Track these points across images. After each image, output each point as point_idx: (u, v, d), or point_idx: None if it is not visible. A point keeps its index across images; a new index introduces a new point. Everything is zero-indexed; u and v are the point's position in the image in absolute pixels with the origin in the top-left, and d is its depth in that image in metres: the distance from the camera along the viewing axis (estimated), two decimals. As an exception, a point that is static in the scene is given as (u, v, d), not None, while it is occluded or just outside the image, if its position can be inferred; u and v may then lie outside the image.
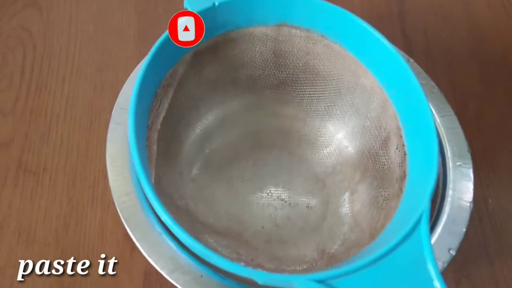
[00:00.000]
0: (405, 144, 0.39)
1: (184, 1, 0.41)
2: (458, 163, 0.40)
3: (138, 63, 0.43)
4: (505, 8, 0.61)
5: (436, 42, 0.57)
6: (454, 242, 0.36)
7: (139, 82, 0.36)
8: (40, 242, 0.43)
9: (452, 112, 0.42)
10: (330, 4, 0.41)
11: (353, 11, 0.57)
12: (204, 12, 0.40)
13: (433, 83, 0.43)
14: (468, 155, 0.40)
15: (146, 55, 0.43)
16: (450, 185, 0.38)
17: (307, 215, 0.43)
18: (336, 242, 0.41)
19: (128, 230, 0.35)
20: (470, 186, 0.39)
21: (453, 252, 0.36)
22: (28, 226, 0.44)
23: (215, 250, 0.35)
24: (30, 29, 0.55)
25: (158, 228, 0.35)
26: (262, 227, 0.42)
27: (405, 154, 0.38)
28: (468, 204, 0.38)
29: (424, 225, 0.32)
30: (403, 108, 0.39)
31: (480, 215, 0.48)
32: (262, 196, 0.44)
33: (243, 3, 0.41)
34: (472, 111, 0.53)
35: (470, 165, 0.40)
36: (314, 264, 0.39)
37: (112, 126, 0.39)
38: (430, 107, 0.36)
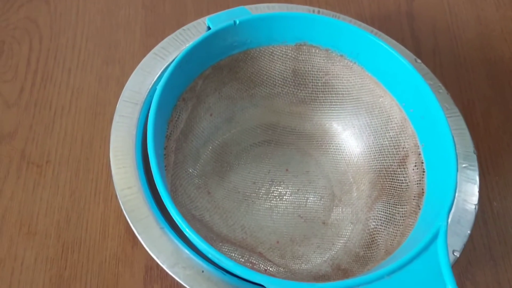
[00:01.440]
0: (424, 161, 0.39)
1: (206, 19, 0.41)
2: (464, 165, 0.39)
3: (143, 57, 0.43)
4: (515, 10, 0.61)
5: (445, 42, 0.57)
6: (459, 244, 0.36)
7: (159, 94, 0.37)
8: (41, 234, 0.43)
9: (458, 113, 0.42)
10: (349, 25, 0.42)
11: (361, 11, 0.58)
12: (225, 29, 0.41)
13: (440, 84, 0.43)
14: (474, 157, 0.40)
15: (152, 49, 0.43)
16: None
17: (323, 232, 0.43)
18: (351, 257, 0.40)
19: (130, 223, 0.35)
20: (475, 188, 0.38)
21: (457, 254, 0.35)
22: (30, 218, 0.44)
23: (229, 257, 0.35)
24: (36, 20, 0.55)
25: (160, 222, 0.35)
26: (277, 242, 0.42)
27: (423, 172, 0.39)
28: (473, 207, 0.38)
29: (442, 240, 0.33)
30: (421, 126, 0.40)
31: (485, 218, 0.47)
32: (278, 212, 0.43)
33: (263, 22, 0.43)
34: (479, 112, 0.53)
35: (476, 168, 0.39)
36: (328, 278, 0.38)
37: (116, 118, 0.39)
38: (448, 125, 0.37)
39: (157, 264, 0.41)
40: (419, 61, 0.44)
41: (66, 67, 0.52)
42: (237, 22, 0.42)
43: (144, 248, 0.40)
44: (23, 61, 0.52)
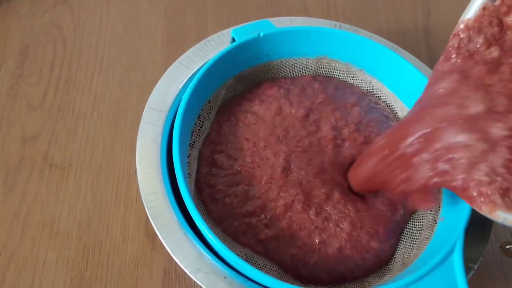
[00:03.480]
0: None
1: (231, 31, 0.43)
2: (480, 180, 0.40)
3: (165, 65, 0.45)
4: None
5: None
6: (474, 257, 0.37)
7: (185, 104, 0.39)
8: (63, 235, 0.44)
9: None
10: (370, 40, 0.44)
11: (379, 25, 0.59)
12: (249, 42, 0.43)
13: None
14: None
15: (173, 57, 0.45)
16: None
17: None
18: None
19: (155, 228, 0.35)
20: (492, 203, 0.39)
21: (472, 267, 0.36)
22: (52, 220, 0.45)
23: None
24: (61, 26, 0.57)
25: (184, 228, 0.36)
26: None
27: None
28: (489, 221, 0.38)
29: (458, 254, 0.34)
30: None
31: (497, 232, 0.48)
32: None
33: (286, 36, 0.44)
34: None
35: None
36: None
37: (142, 125, 0.40)
38: None
39: (176, 268, 0.43)
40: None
41: (89, 72, 0.53)
42: (261, 35, 0.43)
43: (163, 252, 0.41)
44: (47, 66, 0.54)
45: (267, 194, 0.39)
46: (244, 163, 0.40)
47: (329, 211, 0.38)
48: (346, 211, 0.38)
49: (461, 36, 0.33)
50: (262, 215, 0.38)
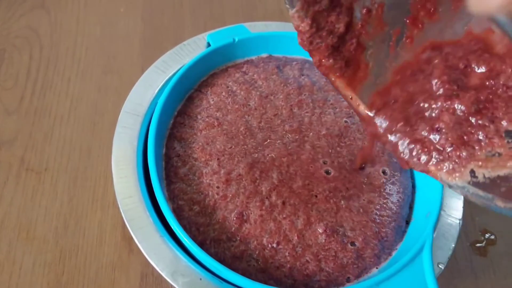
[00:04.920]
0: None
1: (206, 35, 0.44)
2: (449, 181, 0.41)
3: (142, 68, 0.45)
4: None
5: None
6: (443, 256, 0.38)
7: (160, 108, 0.40)
8: (39, 239, 0.44)
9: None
10: None
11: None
12: (225, 46, 0.44)
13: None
14: (459, 174, 0.42)
15: (150, 60, 0.45)
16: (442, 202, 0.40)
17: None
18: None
19: (131, 231, 0.36)
20: (460, 204, 0.40)
21: (442, 266, 0.37)
22: (28, 224, 0.45)
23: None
24: (37, 30, 0.57)
25: (160, 231, 0.36)
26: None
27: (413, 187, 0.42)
28: (458, 222, 0.40)
29: (427, 253, 0.35)
30: None
31: (467, 232, 0.49)
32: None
33: (261, 41, 0.46)
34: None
35: (461, 184, 0.41)
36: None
37: (118, 129, 0.40)
38: None
39: (153, 271, 0.43)
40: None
41: (65, 76, 0.53)
42: (236, 40, 0.44)
43: (140, 255, 0.41)
44: (24, 70, 0.53)
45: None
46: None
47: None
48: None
49: None
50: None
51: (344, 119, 0.43)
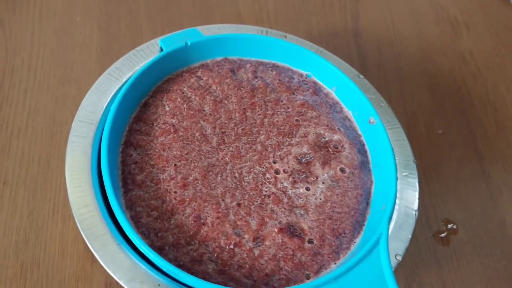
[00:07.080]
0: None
1: (159, 40, 0.43)
2: (404, 174, 0.42)
3: (100, 76, 0.44)
4: (452, 25, 0.65)
5: (389, 58, 0.60)
6: (401, 247, 0.38)
7: (113, 115, 0.39)
8: (-1, 255, 0.44)
9: (399, 125, 0.44)
10: (294, 45, 0.47)
11: (310, 29, 0.61)
12: (177, 51, 0.44)
13: (382, 98, 0.46)
14: (414, 166, 0.42)
15: (107, 69, 0.45)
16: (397, 194, 0.40)
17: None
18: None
19: (87, 241, 0.35)
20: (416, 195, 0.41)
21: (399, 258, 0.38)
22: (-12, 239, 0.44)
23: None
24: (-9, 42, 0.56)
25: (117, 239, 0.36)
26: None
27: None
28: (414, 212, 0.40)
29: (383, 245, 0.36)
30: (366, 138, 0.44)
31: (429, 223, 0.50)
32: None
33: (214, 43, 0.46)
34: (422, 123, 0.56)
35: (416, 175, 0.42)
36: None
37: (71, 139, 0.40)
38: (387, 136, 0.41)
39: (117, 281, 0.43)
40: (361, 76, 0.46)
41: (22, 87, 0.53)
42: (189, 43, 0.44)
43: (102, 265, 0.41)
44: (-22, 83, 0.53)
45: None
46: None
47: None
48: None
49: None
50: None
51: (296, 118, 0.44)
